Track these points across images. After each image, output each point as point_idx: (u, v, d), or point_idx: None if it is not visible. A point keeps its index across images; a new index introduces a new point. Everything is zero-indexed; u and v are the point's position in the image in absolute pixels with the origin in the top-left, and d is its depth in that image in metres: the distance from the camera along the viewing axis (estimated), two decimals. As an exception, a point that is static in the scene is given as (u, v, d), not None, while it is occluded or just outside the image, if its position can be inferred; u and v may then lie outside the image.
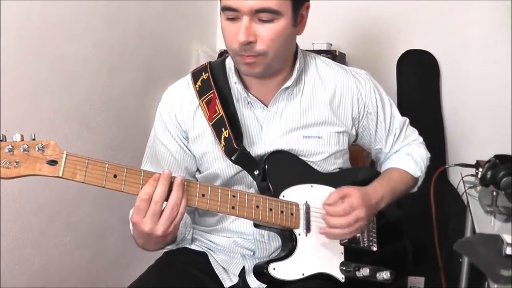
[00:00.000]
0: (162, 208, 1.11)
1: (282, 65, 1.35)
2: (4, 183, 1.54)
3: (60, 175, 1.02)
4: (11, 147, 0.98)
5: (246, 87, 1.38)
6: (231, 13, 1.24)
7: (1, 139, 0.99)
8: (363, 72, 1.50)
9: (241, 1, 1.21)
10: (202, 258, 1.42)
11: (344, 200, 1.29)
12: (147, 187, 1.10)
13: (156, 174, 1.12)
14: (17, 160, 0.98)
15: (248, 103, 1.39)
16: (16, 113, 1.59)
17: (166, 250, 1.38)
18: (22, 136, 1.00)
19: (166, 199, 1.11)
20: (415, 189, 1.55)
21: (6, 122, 1.51)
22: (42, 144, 1.00)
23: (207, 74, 1.40)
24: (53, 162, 1.01)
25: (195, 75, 1.42)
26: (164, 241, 1.18)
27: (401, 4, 2.46)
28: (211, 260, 1.42)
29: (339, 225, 1.28)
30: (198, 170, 1.45)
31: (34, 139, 1.01)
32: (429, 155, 1.57)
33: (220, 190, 1.21)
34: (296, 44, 1.41)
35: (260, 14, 1.22)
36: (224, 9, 1.25)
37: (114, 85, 2.03)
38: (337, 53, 2.32)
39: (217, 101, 1.35)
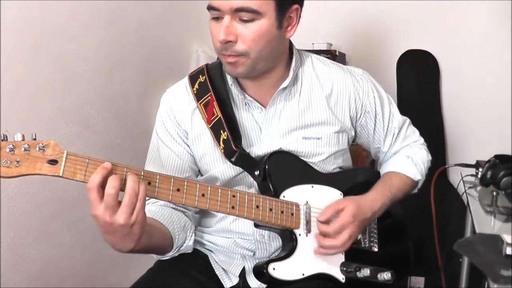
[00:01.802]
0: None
1: (270, 66, 1.34)
2: (4, 183, 1.55)
3: (61, 174, 1.02)
4: (12, 147, 0.98)
5: (242, 88, 1.38)
6: (214, 13, 1.25)
7: (2, 138, 0.99)
8: (360, 71, 1.50)
9: (222, 0, 1.21)
10: (201, 259, 1.42)
11: (338, 217, 1.29)
12: (94, 175, 1.03)
13: (104, 164, 1.06)
14: (18, 160, 0.98)
15: (245, 104, 1.38)
16: (16, 113, 1.59)
17: (165, 258, 1.33)
18: (23, 136, 1.00)
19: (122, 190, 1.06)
20: (415, 190, 1.54)
21: (6, 122, 1.51)
22: (42, 144, 1.00)
23: (204, 77, 1.40)
24: (53, 162, 1.01)
25: (192, 78, 1.41)
26: (131, 233, 1.08)
27: (401, 4, 2.46)
28: (211, 261, 1.42)
29: (333, 246, 1.28)
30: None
31: (35, 139, 1.01)
32: (430, 157, 1.55)
33: (220, 190, 1.20)
34: (292, 44, 1.40)
35: (241, 14, 1.22)
36: (208, 8, 1.26)
37: (114, 85, 2.03)
38: (337, 53, 2.33)
39: (215, 103, 1.35)
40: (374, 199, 1.37)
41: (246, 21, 1.23)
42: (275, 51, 1.32)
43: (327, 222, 1.30)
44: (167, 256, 1.33)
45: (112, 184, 1.03)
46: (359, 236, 1.37)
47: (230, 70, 1.31)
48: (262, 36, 1.24)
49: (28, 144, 0.99)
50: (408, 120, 1.57)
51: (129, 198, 1.05)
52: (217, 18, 1.25)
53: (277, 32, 1.27)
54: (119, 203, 1.05)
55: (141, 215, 1.07)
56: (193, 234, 1.39)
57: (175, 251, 1.33)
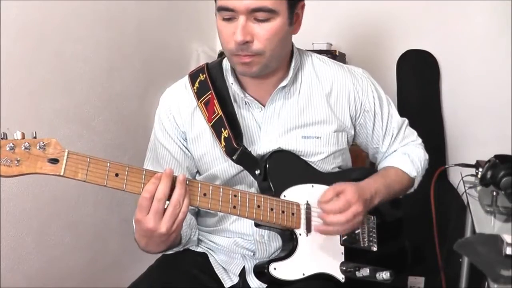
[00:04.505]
0: (165, 206, 1.11)
1: (279, 65, 1.34)
2: (4, 182, 1.55)
3: (62, 173, 1.02)
4: (12, 145, 0.97)
5: (242, 87, 1.38)
6: (227, 13, 1.24)
7: (2, 137, 0.98)
8: (360, 70, 1.50)
9: (238, 0, 1.21)
10: (202, 258, 1.42)
11: (340, 197, 1.27)
12: (149, 185, 1.10)
13: (158, 173, 1.12)
14: (18, 158, 0.98)
15: (245, 103, 1.38)
16: (16, 113, 1.59)
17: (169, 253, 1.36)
18: (23, 134, 0.99)
19: (169, 198, 1.11)
20: (412, 190, 1.54)
21: (7, 122, 1.50)
22: (43, 142, 1.00)
23: (204, 76, 1.40)
24: (54, 161, 1.01)
25: (193, 76, 1.42)
26: (167, 240, 1.17)
27: (401, 4, 2.46)
28: (211, 260, 1.42)
29: (337, 222, 1.26)
30: (197, 171, 1.46)
31: (35, 137, 1.01)
32: (427, 156, 1.55)
33: (221, 190, 1.20)
34: (292, 43, 1.40)
35: (257, 14, 1.22)
36: (220, 9, 1.25)
37: (114, 85, 2.03)
38: (337, 53, 2.32)
39: (215, 101, 1.35)
40: (369, 184, 1.36)
41: (261, 21, 1.23)
42: (285, 49, 1.34)
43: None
44: (172, 251, 1.35)
45: (162, 190, 1.10)
46: (358, 231, 1.37)
47: (243, 70, 1.30)
48: (277, 34, 1.25)
49: (28, 143, 0.99)
50: (406, 121, 1.57)
51: (173, 209, 1.11)
52: (228, 19, 1.25)
53: (288, 30, 1.29)
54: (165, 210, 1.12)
55: (180, 226, 1.15)
56: (197, 230, 1.42)
57: (181, 247, 1.36)
